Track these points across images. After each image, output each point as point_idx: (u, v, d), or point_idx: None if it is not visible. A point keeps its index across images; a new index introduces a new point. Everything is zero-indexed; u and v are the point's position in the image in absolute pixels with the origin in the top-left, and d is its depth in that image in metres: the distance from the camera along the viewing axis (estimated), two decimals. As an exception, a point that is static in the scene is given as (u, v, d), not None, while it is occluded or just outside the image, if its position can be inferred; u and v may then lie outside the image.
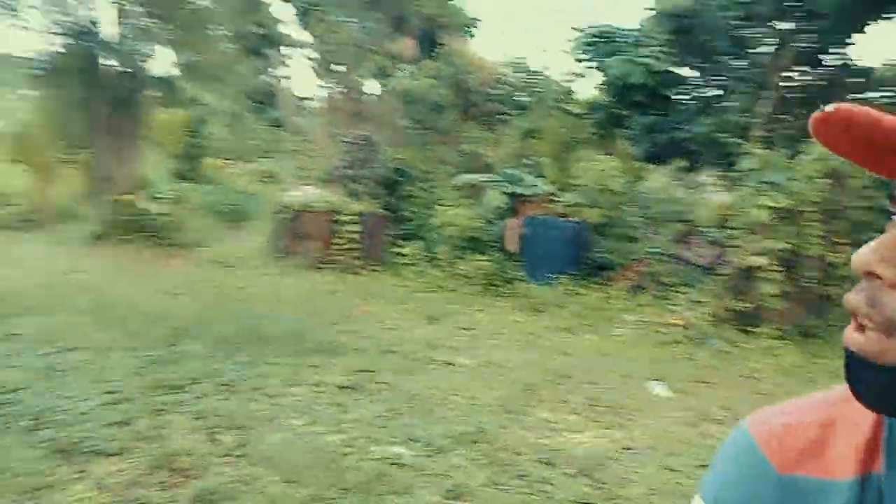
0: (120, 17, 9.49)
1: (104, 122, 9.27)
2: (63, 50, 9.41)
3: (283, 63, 19.51)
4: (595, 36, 11.64)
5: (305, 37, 18.10)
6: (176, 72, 11.25)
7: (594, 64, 11.50)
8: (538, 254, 7.25)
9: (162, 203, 9.28)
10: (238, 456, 2.79)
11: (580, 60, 11.73)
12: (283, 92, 18.28)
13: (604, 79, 11.24)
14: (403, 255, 7.71)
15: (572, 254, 7.16)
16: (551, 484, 2.71)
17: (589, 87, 13.59)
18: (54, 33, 9.28)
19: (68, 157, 9.67)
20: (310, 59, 17.11)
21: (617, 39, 11.43)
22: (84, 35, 9.24)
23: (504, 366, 4.43)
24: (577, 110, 11.21)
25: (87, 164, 9.47)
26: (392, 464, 2.78)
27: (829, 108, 0.46)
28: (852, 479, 0.53)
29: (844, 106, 0.46)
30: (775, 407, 0.58)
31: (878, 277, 0.48)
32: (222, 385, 3.60)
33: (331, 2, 14.60)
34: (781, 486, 0.56)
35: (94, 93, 9.20)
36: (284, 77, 18.22)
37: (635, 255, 6.94)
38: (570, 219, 7.29)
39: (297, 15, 19.69)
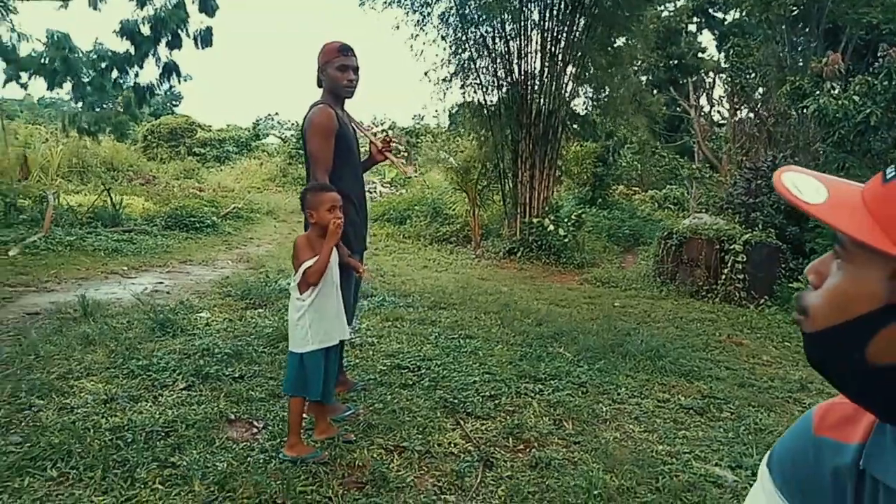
0: (546, 63, 11.06)
1: (527, 155, 10.95)
2: (504, 96, 11.47)
3: (700, 89, 19.35)
4: None
5: (721, 61, 17.62)
6: (591, 107, 12.45)
7: None
8: None
9: (565, 226, 10.43)
10: (574, 442, 3.24)
11: None
12: (695, 119, 18.11)
13: None
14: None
15: None
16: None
17: None
18: (499, 85, 11.36)
19: (495, 186, 11.73)
20: (725, 83, 16.60)
21: None
22: (520, 83, 11.07)
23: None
24: None
25: (508, 191, 11.30)
26: (711, 482, 2.83)
27: None
28: (857, 443, 0.72)
29: None
30: None
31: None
32: (576, 384, 4.11)
33: (751, 22, 13.97)
34: (814, 443, 0.78)
35: (521, 131, 10.95)
36: (696, 104, 18.06)
37: None
38: None
39: (714, 39, 19.31)
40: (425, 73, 11.59)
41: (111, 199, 11.25)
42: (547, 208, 10.76)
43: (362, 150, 3.66)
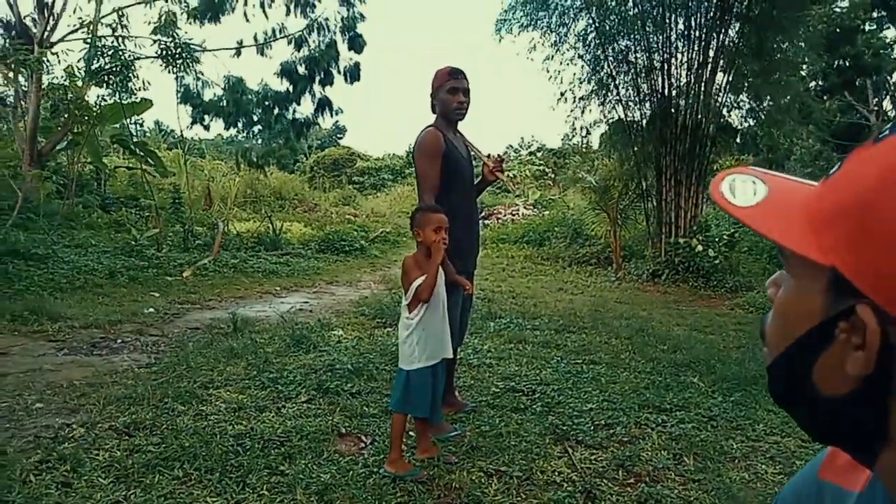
0: (693, 74, 10.45)
1: (672, 172, 10.40)
2: (647, 111, 11.03)
3: (882, 91, 17.26)
4: None
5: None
6: (748, 119, 11.56)
7: None
8: None
9: (716, 246, 9.72)
10: (693, 479, 2.97)
11: None
12: (877, 125, 16.15)
13: None
14: None
15: None
16: None
17: None
18: (641, 100, 10.95)
19: (637, 205, 11.25)
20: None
21: None
22: (664, 97, 10.58)
23: None
24: None
25: (652, 210, 10.78)
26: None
27: None
28: (857, 492, 0.62)
29: None
30: None
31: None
32: (705, 417, 3.77)
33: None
34: (818, 487, 0.68)
35: (665, 147, 10.44)
36: (878, 109, 16.06)
37: None
38: None
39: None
40: (562, 94, 11.41)
41: (272, 225, 12.33)
42: (695, 228, 10.10)
43: (477, 170, 3.70)
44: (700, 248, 9.58)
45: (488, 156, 3.65)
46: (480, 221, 23.93)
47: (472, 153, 3.63)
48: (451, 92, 3.41)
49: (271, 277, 9.23)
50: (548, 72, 11.65)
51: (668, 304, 8.05)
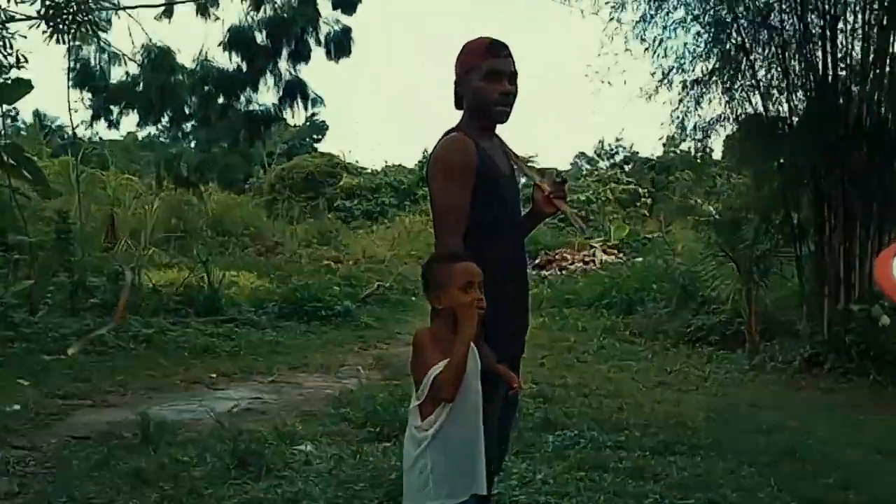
0: (880, 48, 10.41)
1: (840, 199, 10.28)
2: (800, 104, 11.01)
3: None
4: None
5: None
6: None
7: None
8: None
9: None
10: None
11: None
12: None
13: None
14: None
15: None
16: None
17: None
18: (790, 87, 10.94)
19: (784, 251, 11.12)
20: None
21: None
22: (830, 82, 10.55)
23: None
24: None
25: (807, 259, 10.63)
26: None
27: None
28: None
29: None
30: None
31: None
32: None
33: None
34: None
35: (831, 159, 10.35)
36: None
37: None
38: None
39: None
40: (664, 76, 11.44)
41: (209, 275, 12.43)
42: (878, 288, 9.94)
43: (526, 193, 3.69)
44: (887, 320, 9.41)
45: (543, 175, 3.63)
46: (532, 273, 23.69)
47: (519, 171, 3.61)
48: (489, 77, 3.39)
49: (204, 357, 9.24)
50: (642, 41, 11.71)
51: (834, 411, 7.86)
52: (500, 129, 3.57)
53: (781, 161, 10.79)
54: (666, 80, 11.42)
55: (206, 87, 12.99)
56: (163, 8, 12.68)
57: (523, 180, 3.79)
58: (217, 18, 12.67)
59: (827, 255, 10.31)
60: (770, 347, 10.65)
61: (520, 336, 3.56)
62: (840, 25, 10.51)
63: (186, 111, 13.52)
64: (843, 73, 10.51)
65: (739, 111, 11.32)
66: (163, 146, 16.50)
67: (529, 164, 3.70)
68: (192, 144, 14.95)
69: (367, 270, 19.34)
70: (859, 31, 10.42)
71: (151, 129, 14.78)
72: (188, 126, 14.05)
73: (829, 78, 10.47)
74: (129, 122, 19.13)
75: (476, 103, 3.42)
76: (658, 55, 11.81)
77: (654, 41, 12.29)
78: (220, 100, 13.17)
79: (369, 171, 41.46)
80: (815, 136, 10.41)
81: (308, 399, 7.51)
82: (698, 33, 11.51)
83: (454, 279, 2.89)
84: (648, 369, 10.01)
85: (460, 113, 3.50)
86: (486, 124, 3.46)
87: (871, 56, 10.25)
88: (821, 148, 10.34)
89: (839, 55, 10.50)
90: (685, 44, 11.60)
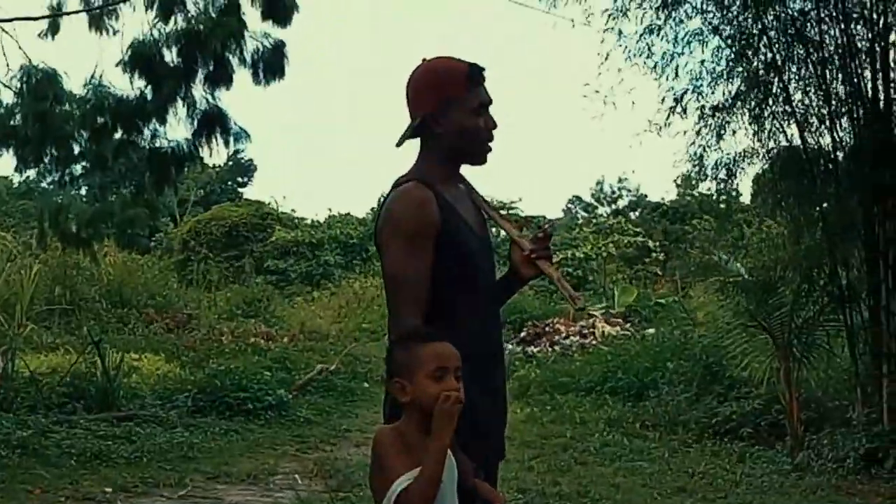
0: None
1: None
2: (845, 135, 11.14)
3: None
4: None
5: None
6: None
7: None
8: None
9: None
10: None
11: None
12: None
13: None
14: None
15: None
16: None
17: None
18: (834, 114, 11.08)
19: (830, 319, 11.17)
20: None
21: None
22: (883, 110, 10.69)
23: None
24: None
25: (860, 330, 10.67)
26: None
27: None
28: None
29: None
30: None
31: None
32: None
33: None
34: None
35: (887, 203, 10.47)
36: None
37: None
38: None
39: None
40: (676, 101, 11.55)
41: (102, 359, 12.26)
42: None
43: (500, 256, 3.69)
44: None
45: (521, 228, 3.63)
46: (516, 350, 23.60)
47: (490, 221, 3.62)
48: (475, 112, 3.43)
49: (97, 467, 9.05)
50: (649, 56, 11.82)
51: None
52: (465, 169, 3.59)
53: (825, 206, 10.90)
54: (679, 107, 11.56)
55: (101, 119, 12.89)
56: (46, 22, 12.66)
57: (500, 233, 3.80)
58: (115, 32, 12.65)
59: (885, 323, 10.35)
60: (817, 442, 10.64)
61: (496, 434, 3.53)
62: (893, 38, 10.71)
63: (76, 150, 13.41)
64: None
65: (771, 145, 11.45)
66: (45, 194, 16.28)
67: (504, 215, 3.70)
68: (83, 192, 14.79)
69: (307, 350, 19.25)
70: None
71: (30, 173, 14.63)
72: (78, 168, 13.92)
73: (881, 104, 10.62)
74: (3, 163, 18.98)
75: (458, 143, 3.41)
76: (667, 76, 11.93)
77: (663, 58, 12.44)
78: (118, 134, 13.08)
79: (309, 222, 41.55)
80: (865, 176, 10.54)
81: (230, 519, 7.40)
82: (718, 48, 11.69)
83: (423, 364, 2.85)
84: (664, 472, 9.96)
85: (412, 150, 3.52)
86: (455, 167, 3.48)
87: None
88: (873, 190, 10.46)
89: (892, 76, 10.68)
90: (702, 61, 11.72)
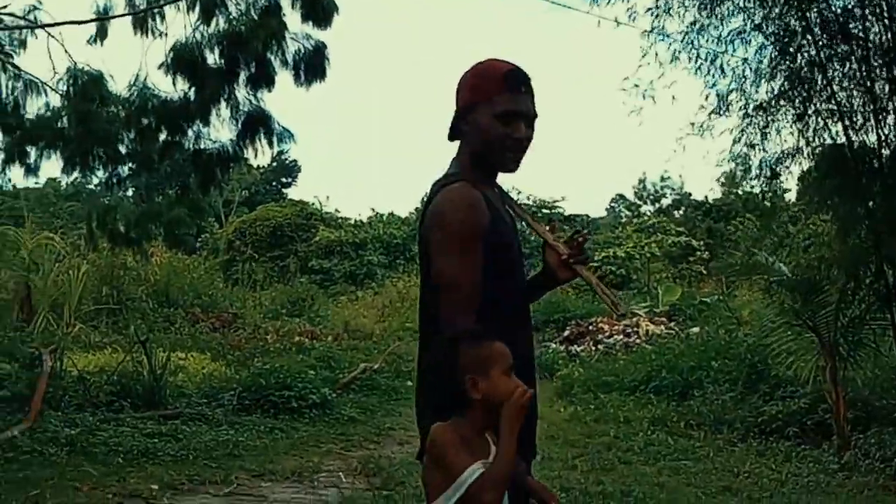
0: None
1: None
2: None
3: None
4: None
5: None
6: None
7: None
8: None
9: None
10: None
11: None
12: None
13: None
14: None
15: None
16: None
17: None
18: (880, 111, 10.97)
19: (878, 318, 11.05)
20: None
21: None
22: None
23: None
24: None
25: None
26: None
27: None
28: None
29: None
30: None
31: None
32: None
33: None
34: None
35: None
36: None
37: None
38: None
39: None
40: (721, 100, 11.46)
41: (149, 358, 12.39)
42: None
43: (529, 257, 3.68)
44: None
45: (553, 231, 3.62)
46: (559, 349, 23.50)
47: (526, 226, 3.61)
48: (503, 118, 3.39)
49: (144, 463, 9.13)
50: (691, 56, 11.76)
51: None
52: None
53: (871, 204, 10.80)
54: (724, 105, 11.47)
55: (145, 120, 12.98)
56: (94, 27, 12.72)
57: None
58: (159, 34, 12.72)
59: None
60: (864, 441, 10.55)
61: (529, 432, 3.52)
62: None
63: (122, 151, 13.49)
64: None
65: (816, 143, 11.36)
66: (93, 195, 16.38)
67: (537, 218, 3.69)
68: (130, 193, 14.85)
69: (351, 348, 19.27)
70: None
71: (78, 175, 14.70)
72: (125, 170, 14.01)
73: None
74: (51, 166, 19.10)
75: (480, 146, 3.39)
76: (712, 74, 11.87)
77: (706, 57, 12.37)
78: (163, 136, 13.16)
79: (352, 222, 41.65)
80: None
81: (275, 517, 7.44)
82: (762, 46, 11.61)
83: (497, 362, 2.88)
84: (709, 471, 9.91)
85: (450, 149, 3.50)
86: (491, 173, 3.47)
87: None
88: (920, 186, 10.37)
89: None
90: (745, 59, 11.65)
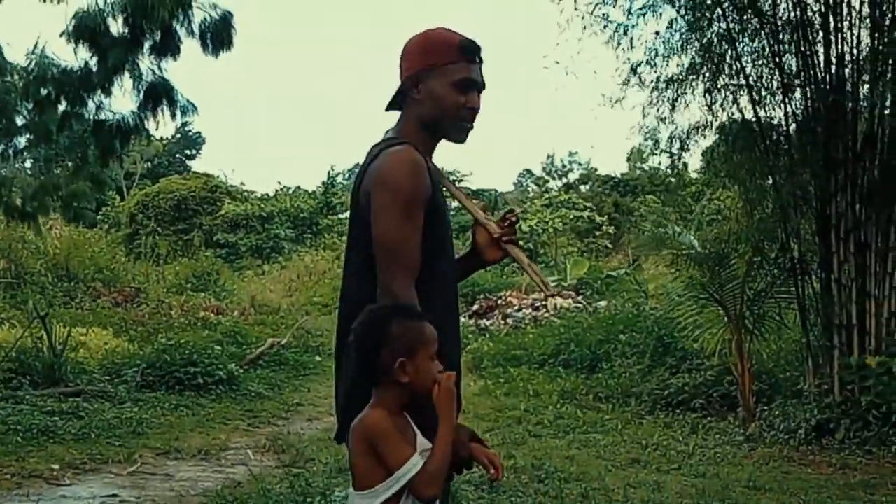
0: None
1: (851, 226, 10.39)
2: (799, 110, 11.17)
3: None
4: None
5: None
6: None
7: None
8: None
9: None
10: None
11: None
12: None
13: None
14: None
15: None
16: None
17: None
18: (786, 87, 11.09)
19: (782, 291, 11.24)
20: None
21: None
22: (835, 83, 10.70)
23: None
24: None
25: (811, 302, 10.74)
26: None
27: None
28: None
29: None
30: None
31: None
32: None
33: None
34: None
35: (836, 178, 10.51)
36: None
37: None
38: None
39: None
40: (633, 70, 11.55)
41: (48, 334, 12.12)
42: (896, 336, 10.14)
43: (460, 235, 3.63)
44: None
45: (485, 209, 3.60)
46: (469, 323, 23.63)
47: (457, 202, 3.57)
48: (461, 86, 3.36)
49: (44, 442, 8.96)
50: (603, 29, 11.76)
51: (850, 492, 7.94)
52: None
53: (777, 179, 10.93)
54: (635, 78, 11.53)
55: (44, 91, 12.68)
56: (-14, -11, 12.40)
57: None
58: (59, 1, 12.41)
59: (836, 295, 10.41)
60: (769, 413, 10.74)
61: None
62: (845, 8, 10.71)
63: (19, 122, 13.21)
64: (849, 70, 10.68)
65: (724, 118, 11.47)
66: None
67: (469, 196, 3.65)
68: (28, 165, 14.59)
69: (258, 324, 19.16)
70: (868, 20, 10.64)
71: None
72: (22, 141, 13.69)
73: (833, 77, 10.65)
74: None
75: (433, 113, 3.38)
76: (624, 46, 11.91)
77: (616, 30, 12.41)
78: (62, 106, 12.87)
79: (258, 195, 41.30)
80: (817, 149, 10.59)
81: (181, 495, 7.35)
82: (672, 21, 11.67)
83: (426, 345, 2.87)
84: (618, 444, 10.03)
85: (393, 116, 3.44)
86: (434, 142, 3.45)
87: (884, 50, 10.45)
88: (825, 163, 10.51)
89: (845, 48, 10.69)
90: (655, 34, 11.70)
